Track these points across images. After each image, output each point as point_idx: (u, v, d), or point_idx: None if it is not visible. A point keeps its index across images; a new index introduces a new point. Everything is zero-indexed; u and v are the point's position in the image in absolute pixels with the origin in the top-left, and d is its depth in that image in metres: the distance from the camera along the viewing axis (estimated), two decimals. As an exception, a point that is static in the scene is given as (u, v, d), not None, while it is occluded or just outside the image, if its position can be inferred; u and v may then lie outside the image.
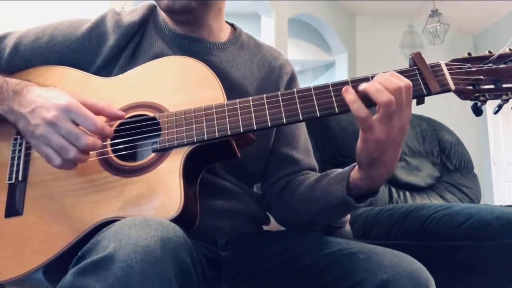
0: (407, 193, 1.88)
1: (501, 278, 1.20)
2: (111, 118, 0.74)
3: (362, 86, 0.69)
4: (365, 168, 0.73)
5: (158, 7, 0.94)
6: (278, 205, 0.93)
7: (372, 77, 0.71)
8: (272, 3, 4.26)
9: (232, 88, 0.87)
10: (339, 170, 0.82)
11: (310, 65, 6.03)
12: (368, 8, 5.25)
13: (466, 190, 1.99)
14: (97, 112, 0.73)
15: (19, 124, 0.74)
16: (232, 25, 1.00)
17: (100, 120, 0.70)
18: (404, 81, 0.68)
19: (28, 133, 0.72)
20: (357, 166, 0.75)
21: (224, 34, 0.95)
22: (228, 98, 0.77)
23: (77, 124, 0.69)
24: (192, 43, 0.90)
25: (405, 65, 0.74)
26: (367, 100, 0.68)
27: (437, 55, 4.84)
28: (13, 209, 0.76)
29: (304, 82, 5.85)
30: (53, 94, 0.72)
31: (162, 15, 0.93)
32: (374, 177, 0.73)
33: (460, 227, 1.21)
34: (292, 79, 1.00)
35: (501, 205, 1.41)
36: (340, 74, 5.27)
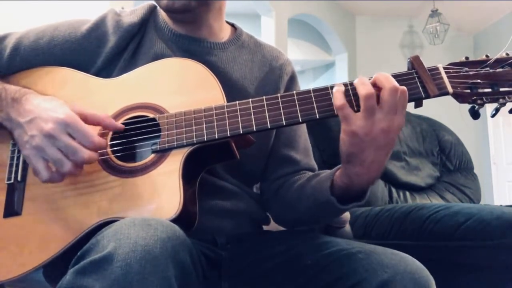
0: (407, 193, 1.89)
1: (501, 278, 1.20)
2: (109, 129, 0.75)
3: (355, 80, 0.70)
4: (344, 162, 0.73)
5: (158, 8, 0.94)
6: (274, 203, 0.93)
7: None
8: (272, 3, 4.26)
9: (232, 88, 0.87)
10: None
11: (310, 65, 6.04)
12: (368, 8, 5.25)
13: (466, 190, 1.99)
14: (95, 123, 0.73)
15: (15, 132, 0.74)
16: (232, 25, 1.00)
17: (97, 135, 0.71)
18: (401, 86, 0.68)
19: (23, 142, 0.72)
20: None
21: (224, 34, 0.96)
22: (228, 98, 0.77)
23: (73, 138, 0.69)
24: (192, 43, 0.90)
25: (405, 65, 0.75)
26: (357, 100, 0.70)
27: (437, 55, 4.85)
28: (12, 209, 0.76)
29: (304, 82, 5.86)
30: (52, 106, 0.72)
31: (162, 16, 0.93)
32: (351, 175, 0.73)
33: (460, 227, 1.21)
34: (292, 79, 1.00)
35: (501, 205, 1.41)
36: (340, 74, 5.27)
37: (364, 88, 0.68)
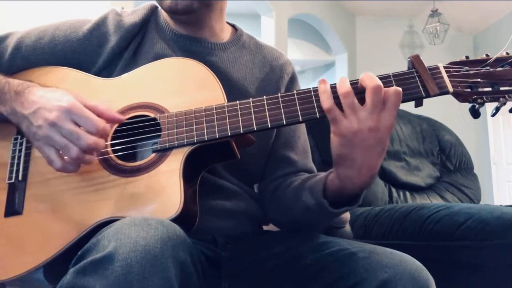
0: (407, 193, 1.89)
1: (501, 277, 1.20)
2: (110, 121, 0.75)
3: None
4: (334, 164, 0.73)
5: (159, 8, 0.94)
6: (270, 204, 0.93)
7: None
8: (272, 3, 4.26)
9: (232, 88, 0.87)
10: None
11: (310, 65, 6.04)
12: (368, 8, 5.25)
13: (466, 190, 1.99)
14: (97, 115, 0.73)
15: (22, 125, 0.74)
16: (233, 26, 1.00)
17: (101, 122, 0.71)
18: (393, 88, 0.68)
19: (31, 134, 0.72)
20: None
21: (225, 34, 0.96)
22: (229, 98, 0.78)
23: (79, 125, 0.69)
24: (193, 44, 0.90)
25: (405, 65, 0.75)
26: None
27: (437, 55, 4.85)
28: (13, 209, 0.76)
29: (304, 82, 5.85)
30: (55, 95, 0.73)
31: (164, 16, 0.93)
32: (342, 178, 0.72)
33: (460, 227, 1.21)
34: (293, 79, 1.00)
35: (501, 205, 1.41)
36: (340, 74, 5.27)
37: (341, 87, 0.69)
